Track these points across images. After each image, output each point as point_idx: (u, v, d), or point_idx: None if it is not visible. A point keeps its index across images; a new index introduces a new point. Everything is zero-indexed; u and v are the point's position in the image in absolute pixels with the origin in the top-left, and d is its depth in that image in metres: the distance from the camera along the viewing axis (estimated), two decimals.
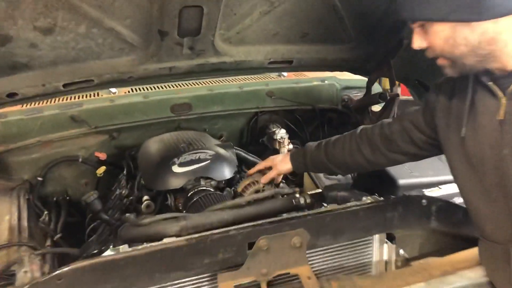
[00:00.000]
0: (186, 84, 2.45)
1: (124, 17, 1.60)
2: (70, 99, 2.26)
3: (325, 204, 1.63)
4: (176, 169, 1.81)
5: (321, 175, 2.21)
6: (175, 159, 1.83)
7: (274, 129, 2.46)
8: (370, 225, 1.39)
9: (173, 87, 2.43)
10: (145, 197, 1.91)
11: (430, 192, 1.71)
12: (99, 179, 2.15)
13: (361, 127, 1.61)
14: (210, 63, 2.01)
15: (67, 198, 2.27)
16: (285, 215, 1.40)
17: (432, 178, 1.81)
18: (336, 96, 2.62)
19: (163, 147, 1.99)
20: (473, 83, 1.20)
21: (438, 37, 1.11)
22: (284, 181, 1.90)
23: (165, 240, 1.28)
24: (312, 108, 2.56)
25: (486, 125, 1.17)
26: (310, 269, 1.32)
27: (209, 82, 2.51)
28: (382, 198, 1.48)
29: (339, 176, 1.91)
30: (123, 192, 2.05)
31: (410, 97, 2.51)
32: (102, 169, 2.07)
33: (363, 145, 1.53)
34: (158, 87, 2.42)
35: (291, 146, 2.46)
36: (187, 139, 2.05)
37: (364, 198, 1.50)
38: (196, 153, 1.86)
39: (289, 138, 2.46)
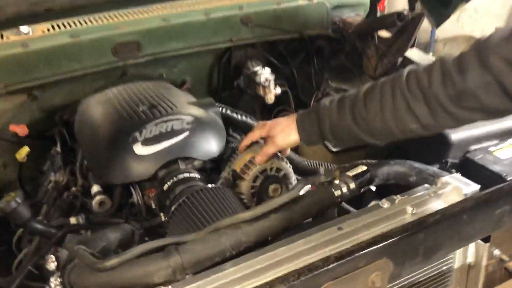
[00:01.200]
0: (130, 14, 1.75)
1: None
2: None
3: (372, 187, 1.12)
4: (139, 149, 1.20)
5: None
6: (136, 134, 1.22)
7: (255, 69, 1.86)
8: (475, 229, 0.90)
9: (112, 19, 1.73)
10: (95, 188, 1.31)
11: (501, 150, 1.25)
12: (21, 164, 1.50)
13: (403, 73, 1.07)
14: None
15: None
16: (351, 227, 0.87)
17: (492, 127, 1.34)
18: (326, 18, 2.02)
19: (113, 113, 1.35)
20: None
21: None
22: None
23: None
24: (299, 37, 1.97)
25: None
26: None
27: (161, 10, 1.81)
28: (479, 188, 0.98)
29: None
30: (60, 179, 1.43)
31: None
32: (24, 152, 1.42)
33: (416, 102, 1.02)
34: (90, 20, 1.71)
35: (278, 90, 1.89)
36: (145, 96, 1.42)
37: (447, 179, 1.00)
38: (166, 121, 1.25)
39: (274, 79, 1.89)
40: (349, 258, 0.75)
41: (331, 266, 0.74)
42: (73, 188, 1.36)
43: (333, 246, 0.86)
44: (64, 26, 1.66)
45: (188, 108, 1.34)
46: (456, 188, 0.99)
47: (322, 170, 1.40)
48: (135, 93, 1.47)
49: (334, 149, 1.67)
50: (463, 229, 0.88)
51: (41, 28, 1.65)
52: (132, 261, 0.84)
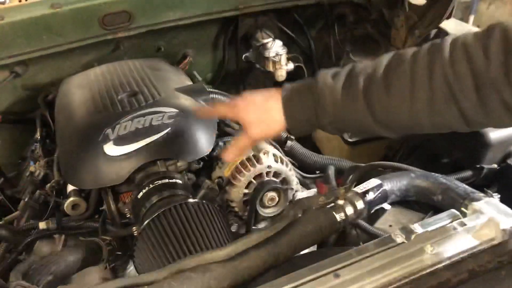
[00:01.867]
0: None
1: None
2: None
3: (386, 206, 0.92)
4: (111, 149, 1.02)
5: None
6: (108, 130, 1.04)
7: (265, 41, 1.63)
8: None
9: None
10: (71, 187, 1.14)
11: None
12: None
13: (445, 44, 0.74)
14: None
15: None
16: (352, 274, 0.68)
17: None
18: None
19: (88, 102, 1.16)
20: None
21: None
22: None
23: None
24: (318, 2, 1.70)
25: None
26: None
27: None
28: None
29: None
30: (37, 172, 1.27)
31: None
32: None
33: (463, 90, 0.71)
34: None
35: (291, 65, 1.66)
36: (129, 80, 1.23)
37: (480, 205, 0.78)
38: (144, 115, 1.06)
39: (287, 52, 1.65)
40: None
41: None
42: (47, 185, 1.20)
43: None
44: None
45: (174, 97, 1.14)
46: (492, 220, 0.77)
47: (331, 169, 1.18)
48: (119, 75, 1.28)
49: (350, 139, 1.45)
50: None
51: None
52: None
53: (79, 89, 1.27)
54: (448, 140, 1.20)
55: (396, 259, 0.72)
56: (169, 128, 1.04)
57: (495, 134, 1.11)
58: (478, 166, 1.08)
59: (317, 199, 0.84)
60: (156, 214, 0.91)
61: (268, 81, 1.81)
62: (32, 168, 1.33)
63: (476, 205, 0.81)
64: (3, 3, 1.43)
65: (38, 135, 1.37)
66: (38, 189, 1.24)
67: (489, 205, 0.81)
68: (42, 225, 1.10)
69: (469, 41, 0.72)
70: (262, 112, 0.88)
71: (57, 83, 1.50)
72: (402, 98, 0.77)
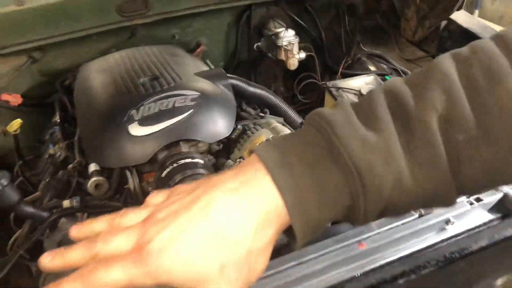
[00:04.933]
0: None
1: None
2: None
3: None
4: (135, 129, 1.05)
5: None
6: (133, 111, 1.07)
7: (278, 30, 1.66)
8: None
9: None
10: (93, 166, 1.17)
11: None
12: (15, 136, 1.37)
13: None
14: None
15: None
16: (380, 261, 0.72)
17: None
18: None
19: (110, 85, 1.19)
20: None
21: None
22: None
23: None
24: None
25: None
26: None
27: None
28: None
29: None
30: (58, 154, 1.30)
31: None
32: (16, 124, 1.28)
33: None
34: None
35: (303, 54, 1.69)
36: (149, 65, 1.26)
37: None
38: (167, 97, 1.09)
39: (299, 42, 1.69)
40: None
41: None
42: (69, 166, 1.23)
43: (353, 266, 0.71)
44: None
45: (194, 81, 1.17)
46: (506, 196, 0.80)
47: None
48: (138, 60, 1.31)
49: None
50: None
51: None
52: None
53: (100, 74, 1.30)
54: None
55: (417, 231, 0.76)
56: (192, 110, 1.08)
57: None
58: None
59: None
60: None
61: (279, 70, 1.85)
62: (51, 151, 1.36)
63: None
64: None
65: (57, 118, 1.40)
66: (59, 170, 1.28)
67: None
68: (66, 203, 1.13)
69: None
70: (219, 232, 0.45)
71: (73, 69, 1.53)
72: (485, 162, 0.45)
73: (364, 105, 0.48)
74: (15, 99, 1.35)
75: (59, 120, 1.40)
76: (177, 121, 1.06)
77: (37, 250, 1.02)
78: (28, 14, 1.40)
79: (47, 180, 1.27)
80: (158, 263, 0.43)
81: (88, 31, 1.50)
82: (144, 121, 1.06)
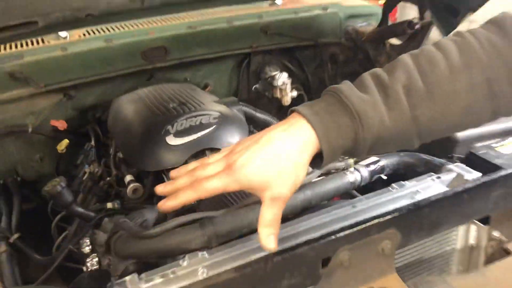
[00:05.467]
0: (159, 21, 1.89)
1: None
2: (5, 49, 1.66)
3: (383, 176, 1.24)
4: (171, 140, 1.33)
5: None
6: (169, 127, 1.35)
7: (273, 73, 1.99)
8: (473, 210, 1.01)
9: (142, 25, 1.87)
10: (128, 177, 1.43)
11: (503, 146, 1.35)
12: (60, 155, 1.63)
13: (463, 39, 0.78)
14: None
15: (18, 179, 1.75)
16: (364, 205, 0.99)
17: (495, 126, 1.44)
18: (340, 28, 2.15)
19: (146, 109, 1.48)
20: None
21: None
22: None
23: (202, 265, 0.84)
24: (314, 44, 2.09)
25: None
26: (399, 278, 0.94)
27: (187, 17, 1.96)
28: (475, 174, 1.09)
29: None
30: (95, 171, 1.56)
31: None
32: (64, 143, 1.55)
33: (500, 82, 0.74)
34: (122, 26, 1.85)
35: (294, 93, 2.02)
36: (174, 95, 1.55)
37: (451, 167, 1.11)
38: (195, 116, 1.38)
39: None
40: (362, 227, 0.86)
41: (346, 232, 0.85)
42: (108, 178, 1.48)
43: (348, 220, 0.97)
44: (99, 32, 1.81)
45: (214, 105, 1.47)
46: (459, 175, 1.10)
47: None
48: (165, 92, 1.60)
49: None
50: (463, 208, 0.99)
51: (78, 33, 1.79)
52: (173, 231, 0.96)
53: (133, 103, 1.58)
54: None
55: (395, 198, 1.04)
56: (215, 126, 1.36)
57: (461, 134, 1.45)
58: (449, 155, 1.42)
59: (336, 165, 1.15)
60: None
61: (274, 107, 2.16)
62: (87, 169, 1.61)
63: (448, 167, 1.15)
64: (65, 38, 1.75)
65: (93, 143, 1.66)
66: (97, 183, 1.53)
67: (457, 167, 1.14)
68: (109, 205, 1.38)
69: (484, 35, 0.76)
70: (279, 153, 0.73)
71: (101, 104, 1.80)
72: (456, 102, 0.73)
73: (358, 81, 0.79)
74: (61, 125, 1.61)
75: (94, 145, 1.66)
76: (203, 134, 1.34)
77: None
78: (70, 58, 1.70)
79: (86, 191, 1.52)
80: (242, 173, 0.72)
81: (117, 73, 1.80)
82: (178, 134, 1.33)
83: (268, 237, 0.74)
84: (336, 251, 0.85)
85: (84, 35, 1.78)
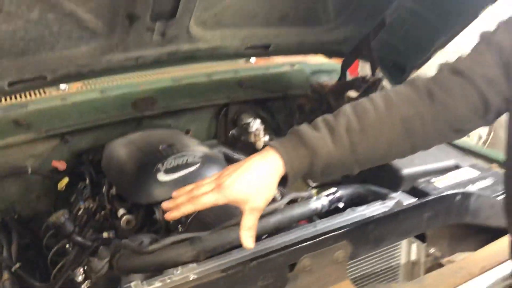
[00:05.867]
0: (148, 75, 2.16)
1: None
2: (11, 99, 1.88)
3: (340, 205, 1.48)
4: (162, 177, 1.55)
5: None
6: (159, 165, 1.57)
7: (248, 121, 2.25)
8: (409, 227, 1.26)
9: (133, 79, 2.13)
10: (121, 211, 1.63)
11: (439, 181, 1.62)
12: (58, 193, 1.82)
13: (387, 94, 1.02)
14: (182, 51, 1.76)
15: (15, 216, 1.92)
16: (323, 225, 1.22)
17: (435, 165, 1.72)
18: (306, 82, 2.46)
19: (138, 151, 1.70)
20: None
21: None
22: None
23: (193, 273, 1.05)
24: (284, 96, 2.38)
25: None
26: (351, 283, 1.16)
27: (172, 72, 2.23)
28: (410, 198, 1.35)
29: None
30: (91, 206, 1.75)
31: None
32: (64, 182, 1.75)
33: (413, 127, 0.98)
34: (115, 79, 2.10)
35: (267, 137, 2.27)
36: (163, 138, 1.78)
37: (394, 195, 1.37)
38: (182, 156, 1.61)
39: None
40: (320, 238, 1.10)
41: (308, 243, 1.09)
42: (102, 212, 1.68)
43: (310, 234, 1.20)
44: (94, 84, 2.05)
45: (198, 147, 1.71)
46: (399, 201, 1.36)
47: None
48: (153, 136, 1.83)
49: (312, 184, 2.03)
50: (401, 225, 1.24)
51: (75, 86, 2.03)
52: (168, 247, 1.17)
53: (126, 146, 1.80)
54: (376, 177, 1.78)
55: (348, 219, 1.28)
56: (199, 164, 1.60)
57: (406, 171, 1.72)
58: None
59: (302, 194, 1.40)
60: (194, 214, 1.43)
61: (249, 150, 2.41)
62: (82, 206, 1.80)
63: (391, 196, 1.41)
64: (64, 89, 1.98)
65: (87, 182, 1.86)
66: (92, 217, 1.72)
67: (398, 195, 1.40)
68: (105, 234, 1.57)
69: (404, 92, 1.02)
70: (256, 175, 0.98)
71: (94, 148, 2.01)
72: (377, 138, 0.98)
73: (313, 123, 1.04)
74: (61, 165, 1.81)
75: (88, 183, 1.86)
76: (190, 171, 1.57)
77: None
78: (68, 107, 1.93)
79: (82, 225, 1.70)
80: (229, 191, 0.97)
81: (110, 120, 2.02)
82: (167, 171, 1.56)
83: (248, 238, 0.97)
84: (300, 258, 1.07)
85: (81, 87, 2.02)
